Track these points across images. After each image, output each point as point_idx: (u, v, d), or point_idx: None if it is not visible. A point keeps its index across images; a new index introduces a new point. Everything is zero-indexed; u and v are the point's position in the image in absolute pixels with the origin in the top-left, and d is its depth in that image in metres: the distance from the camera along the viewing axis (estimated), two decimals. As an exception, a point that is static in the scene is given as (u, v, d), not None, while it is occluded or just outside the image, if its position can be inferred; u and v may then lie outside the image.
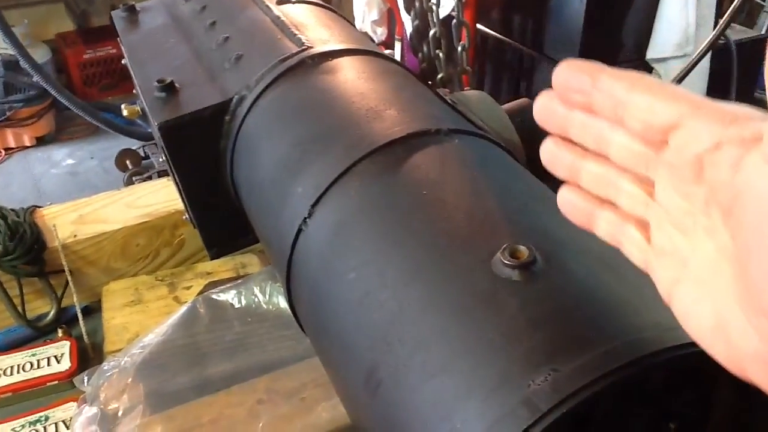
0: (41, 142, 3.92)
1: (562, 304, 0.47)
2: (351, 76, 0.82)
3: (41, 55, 3.79)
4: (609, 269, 0.50)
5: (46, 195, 3.48)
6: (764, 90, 1.82)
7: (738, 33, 1.66)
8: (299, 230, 0.67)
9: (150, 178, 3.06)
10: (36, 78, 1.81)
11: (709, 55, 1.42)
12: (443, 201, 0.60)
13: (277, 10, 1.00)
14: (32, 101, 3.74)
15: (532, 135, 0.85)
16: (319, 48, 0.86)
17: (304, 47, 0.87)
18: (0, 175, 3.67)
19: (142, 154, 3.47)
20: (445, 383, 0.46)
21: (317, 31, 0.94)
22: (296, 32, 0.91)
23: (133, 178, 3.22)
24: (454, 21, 1.00)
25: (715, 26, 1.42)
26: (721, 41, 1.54)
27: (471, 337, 0.47)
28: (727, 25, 1.26)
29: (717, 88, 1.54)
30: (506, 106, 0.87)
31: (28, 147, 3.88)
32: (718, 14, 1.47)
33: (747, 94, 1.69)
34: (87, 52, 4.13)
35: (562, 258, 0.50)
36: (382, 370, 0.52)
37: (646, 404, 0.44)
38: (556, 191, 0.65)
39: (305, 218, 0.67)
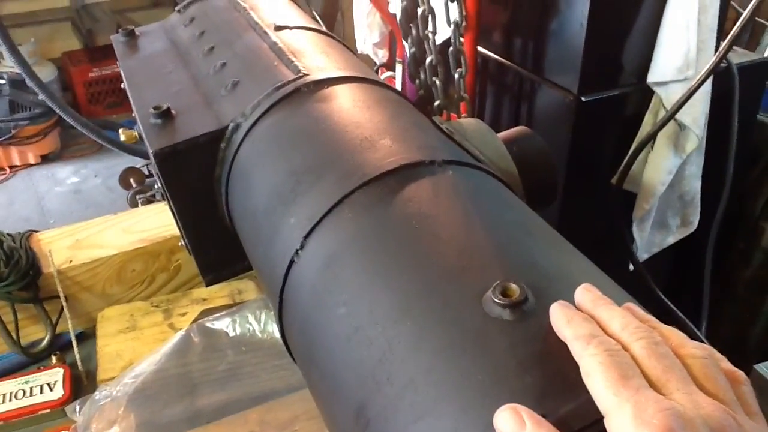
0: (46, 160, 3.94)
1: (553, 345, 0.46)
2: (346, 105, 0.81)
3: (47, 73, 3.82)
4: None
5: (49, 213, 3.49)
6: (767, 113, 1.82)
7: (740, 56, 1.65)
8: (291, 262, 0.66)
9: (154, 196, 3.06)
10: (41, 96, 1.82)
11: (710, 79, 1.41)
12: (435, 235, 0.59)
13: (275, 36, 1.00)
14: (37, 119, 3.76)
15: (529, 164, 0.84)
16: (316, 75, 0.86)
17: (300, 74, 0.86)
18: (4, 192, 3.69)
19: (146, 173, 3.47)
20: (433, 426, 0.45)
21: (314, 58, 0.93)
22: (293, 59, 0.91)
23: (137, 197, 3.23)
24: (451, 48, 0.99)
25: (716, 49, 1.42)
26: (722, 65, 1.53)
27: (459, 379, 0.46)
28: (728, 50, 1.26)
29: (719, 112, 1.53)
30: (503, 134, 0.86)
31: (32, 165, 3.90)
32: (720, 38, 1.46)
33: (749, 118, 1.68)
34: (93, 71, 4.17)
35: (553, 295, 0.50)
36: (371, 409, 0.51)
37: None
38: (552, 220, 0.64)
39: (297, 250, 0.66)
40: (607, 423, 0.39)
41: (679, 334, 0.46)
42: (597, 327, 0.45)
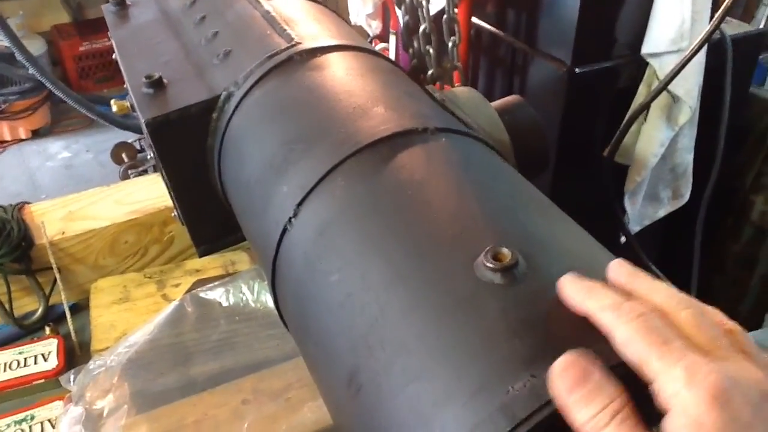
0: (37, 135, 3.91)
1: (543, 308, 0.46)
2: (339, 73, 0.81)
3: (37, 47, 3.78)
4: (591, 271, 0.49)
5: (41, 188, 3.47)
6: (760, 85, 1.82)
7: (734, 28, 1.65)
8: (284, 230, 0.67)
9: (146, 171, 3.04)
10: (31, 70, 1.79)
11: (704, 51, 1.41)
12: (427, 202, 0.59)
13: (267, 4, 0.99)
14: (27, 94, 3.73)
15: (521, 132, 0.84)
16: (308, 44, 0.85)
17: (293, 43, 0.86)
18: (-5, 167, 3.67)
19: (138, 147, 3.44)
20: (424, 389, 0.46)
21: (307, 27, 0.93)
22: (285, 27, 0.90)
23: (129, 171, 3.20)
24: (445, 17, 0.99)
25: (710, 21, 1.41)
26: (716, 36, 1.52)
27: (451, 342, 0.46)
28: (721, 21, 1.26)
29: (712, 84, 1.53)
30: (496, 103, 0.86)
31: (23, 140, 3.88)
32: (714, 9, 1.46)
33: (742, 91, 1.68)
34: (83, 45, 4.12)
35: (544, 260, 0.50)
36: (363, 373, 0.51)
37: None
38: (544, 191, 0.64)
39: (290, 218, 0.66)
40: (656, 388, 0.38)
41: (715, 310, 0.45)
42: (618, 294, 0.44)
